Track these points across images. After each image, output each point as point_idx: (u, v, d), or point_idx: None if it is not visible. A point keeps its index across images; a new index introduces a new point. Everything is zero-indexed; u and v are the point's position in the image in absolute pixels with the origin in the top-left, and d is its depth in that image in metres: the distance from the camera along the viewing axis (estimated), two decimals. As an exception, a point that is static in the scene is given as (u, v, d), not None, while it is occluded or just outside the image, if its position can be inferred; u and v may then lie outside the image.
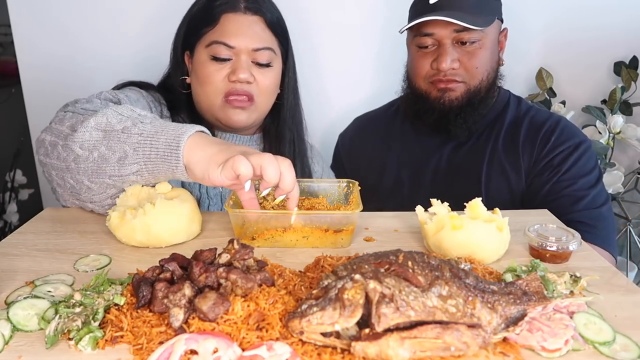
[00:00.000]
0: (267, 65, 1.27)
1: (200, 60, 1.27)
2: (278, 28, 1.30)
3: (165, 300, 0.67)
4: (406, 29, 1.39)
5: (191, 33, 1.30)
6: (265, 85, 1.28)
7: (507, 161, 1.41)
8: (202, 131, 0.95)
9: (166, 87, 1.37)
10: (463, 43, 1.33)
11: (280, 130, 1.39)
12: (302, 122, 1.43)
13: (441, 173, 1.48)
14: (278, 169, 0.86)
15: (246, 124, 1.30)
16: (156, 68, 1.41)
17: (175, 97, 1.34)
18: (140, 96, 1.26)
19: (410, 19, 1.41)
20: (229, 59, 1.25)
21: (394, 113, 1.62)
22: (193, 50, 1.30)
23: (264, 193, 0.92)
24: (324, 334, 0.61)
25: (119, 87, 1.32)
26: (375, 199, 1.46)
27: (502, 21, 1.42)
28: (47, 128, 1.05)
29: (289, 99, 1.38)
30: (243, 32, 1.24)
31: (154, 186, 0.98)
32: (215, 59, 1.25)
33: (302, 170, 1.41)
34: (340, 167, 1.66)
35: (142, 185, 0.98)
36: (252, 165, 0.85)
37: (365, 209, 0.95)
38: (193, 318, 0.65)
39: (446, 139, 1.48)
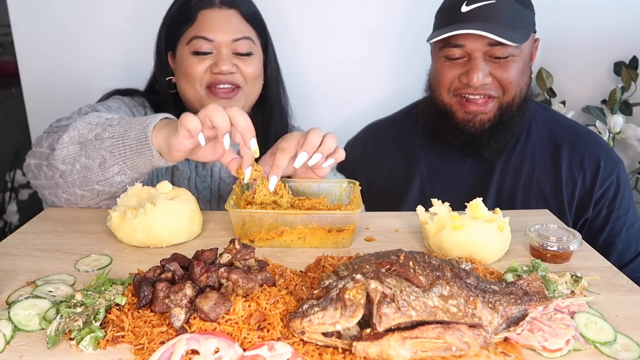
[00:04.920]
0: (248, 54, 1.30)
1: (183, 57, 1.30)
2: (254, 20, 1.34)
3: (167, 300, 0.67)
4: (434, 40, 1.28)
5: (171, 33, 1.34)
6: (249, 73, 1.31)
7: (546, 185, 1.35)
8: (168, 117, 1.00)
9: (153, 89, 1.41)
10: (496, 57, 1.24)
11: (267, 119, 1.42)
12: (286, 110, 1.46)
13: (470, 190, 1.39)
14: (226, 115, 0.89)
15: None
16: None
17: (162, 97, 1.37)
18: (121, 104, 1.31)
19: (439, 27, 1.31)
20: (210, 53, 1.28)
21: (413, 121, 1.51)
22: (175, 50, 1.34)
23: (246, 176, 0.94)
24: (325, 334, 0.61)
25: (104, 97, 1.37)
26: (398, 210, 1.41)
27: (535, 32, 1.33)
28: (30, 152, 1.10)
29: (272, 89, 1.41)
30: (221, 25, 1.28)
31: (154, 186, 0.98)
32: (197, 53, 1.28)
33: None
34: (350, 176, 1.54)
35: (143, 185, 0.98)
36: (199, 119, 0.89)
37: None
38: (194, 318, 0.65)
39: (473, 155, 1.39)
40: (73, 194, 1.05)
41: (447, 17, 1.28)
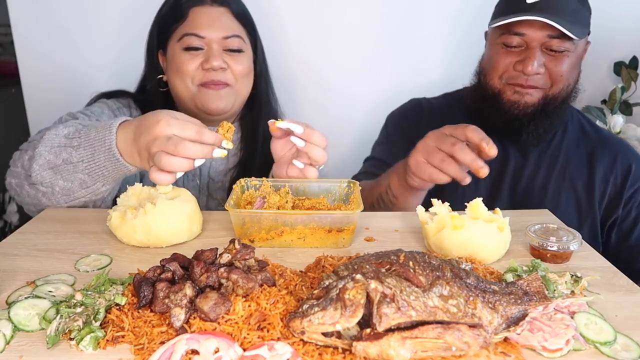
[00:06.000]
0: (239, 51, 1.32)
1: (174, 54, 1.31)
2: (244, 19, 1.36)
3: (167, 300, 0.67)
4: (496, 26, 1.32)
5: (163, 31, 1.34)
6: (239, 70, 1.32)
7: (579, 181, 1.39)
8: (124, 120, 0.98)
9: (144, 88, 1.42)
10: (551, 50, 1.28)
11: (255, 118, 1.43)
12: (275, 109, 1.48)
13: (502, 177, 1.42)
14: (180, 159, 0.86)
15: (225, 109, 1.33)
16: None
17: (150, 96, 1.38)
18: (105, 108, 1.31)
19: (500, 15, 1.34)
20: (201, 49, 1.29)
21: (456, 105, 1.55)
22: (166, 48, 1.34)
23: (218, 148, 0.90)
24: (325, 334, 0.61)
25: (91, 101, 1.37)
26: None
27: (589, 33, 1.37)
28: (9, 171, 1.11)
29: (261, 87, 1.43)
30: (212, 22, 1.29)
31: (154, 186, 0.98)
32: (188, 49, 1.29)
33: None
34: (397, 143, 1.55)
35: (143, 185, 0.99)
36: (166, 173, 0.88)
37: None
38: (194, 318, 0.65)
39: (509, 143, 1.42)
40: (60, 205, 1.07)
41: (511, 7, 1.31)
